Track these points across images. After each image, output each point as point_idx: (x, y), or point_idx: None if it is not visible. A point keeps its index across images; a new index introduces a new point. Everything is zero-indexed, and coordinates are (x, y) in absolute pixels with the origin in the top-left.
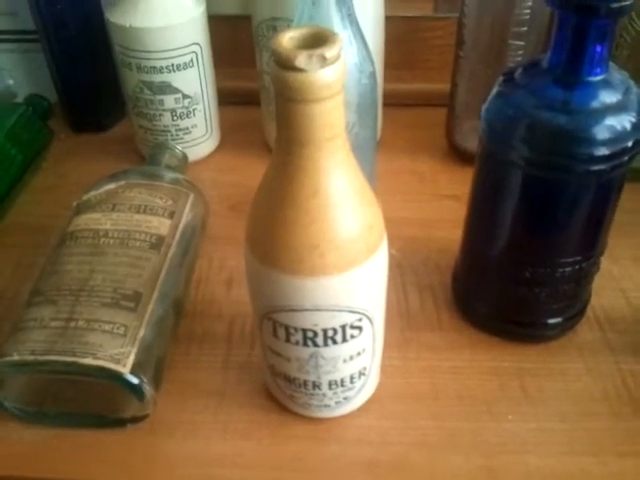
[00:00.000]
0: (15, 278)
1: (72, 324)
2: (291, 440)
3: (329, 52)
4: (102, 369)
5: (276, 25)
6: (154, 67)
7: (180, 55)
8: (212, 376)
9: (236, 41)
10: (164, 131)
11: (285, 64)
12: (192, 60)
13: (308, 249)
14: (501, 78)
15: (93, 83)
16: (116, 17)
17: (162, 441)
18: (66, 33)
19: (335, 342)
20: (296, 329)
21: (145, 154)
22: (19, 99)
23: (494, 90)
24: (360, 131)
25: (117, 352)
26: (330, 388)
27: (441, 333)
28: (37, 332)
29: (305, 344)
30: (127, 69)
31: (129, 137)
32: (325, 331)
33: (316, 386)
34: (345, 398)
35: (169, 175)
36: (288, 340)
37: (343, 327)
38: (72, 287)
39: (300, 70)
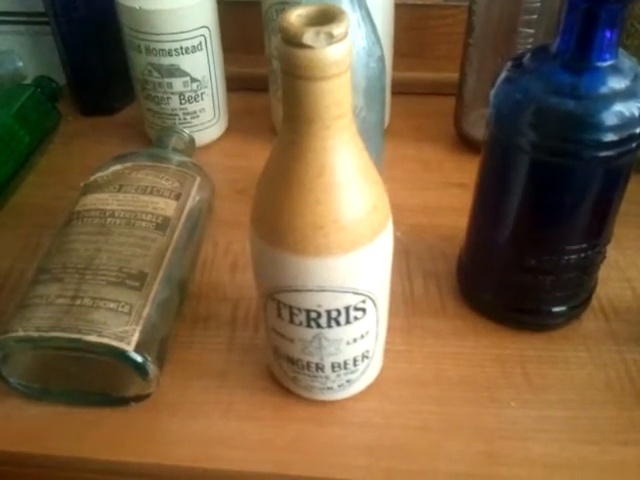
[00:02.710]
0: (21, 259)
1: (77, 302)
2: (293, 422)
3: (336, 29)
4: (106, 346)
5: (285, 9)
6: (163, 50)
7: (189, 38)
8: (215, 358)
9: (245, 26)
10: (172, 115)
11: (292, 41)
12: (201, 43)
13: (313, 229)
14: (509, 63)
15: (102, 66)
16: None
17: (164, 420)
18: (75, 15)
19: (339, 324)
20: (300, 310)
21: (153, 137)
22: (28, 81)
23: (502, 75)
24: (368, 115)
25: (121, 330)
26: (333, 370)
27: (445, 320)
28: (42, 309)
29: (309, 325)
30: (136, 51)
31: (137, 120)
32: (329, 312)
33: (319, 368)
34: (348, 381)
35: (176, 158)
36: (292, 321)
37: (347, 309)
38: (78, 265)
39: (307, 47)
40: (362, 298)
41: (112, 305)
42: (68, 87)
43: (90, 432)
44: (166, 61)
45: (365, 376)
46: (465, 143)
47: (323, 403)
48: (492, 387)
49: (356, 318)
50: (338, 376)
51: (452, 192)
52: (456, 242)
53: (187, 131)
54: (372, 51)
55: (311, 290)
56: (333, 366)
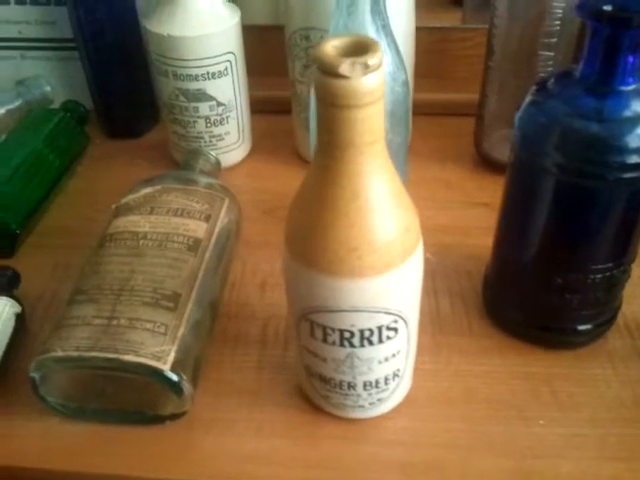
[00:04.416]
0: (52, 279)
1: (114, 322)
2: (325, 440)
3: (371, 60)
4: (143, 366)
5: (309, 35)
6: (190, 75)
7: (215, 63)
8: (246, 376)
9: (267, 50)
10: (198, 138)
11: (329, 71)
12: (227, 68)
13: (347, 251)
14: (534, 87)
15: (128, 90)
16: (154, 26)
17: (199, 437)
18: (103, 41)
19: (371, 343)
20: (333, 329)
21: (178, 160)
22: (55, 105)
23: (527, 99)
24: (393, 138)
25: (158, 350)
26: (365, 389)
27: (471, 338)
28: (80, 329)
29: (342, 344)
30: (163, 77)
31: (162, 143)
32: (362, 332)
33: (351, 387)
34: (379, 399)
35: (203, 180)
36: (325, 340)
37: (379, 328)
38: (113, 286)
39: (344, 77)
40: (394, 318)
41: (148, 325)
42: (95, 111)
43: (126, 450)
44: (193, 86)
45: (395, 394)
46: (486, 163)
47: (354, 421)
48: (520, 405)
49: (388, 337)
50: (370, 394)
51: (475, 211)
52: (481, 261)
53: (213, 153)
54: (397, 75)
55: (345, 310)
56: (365, 385)
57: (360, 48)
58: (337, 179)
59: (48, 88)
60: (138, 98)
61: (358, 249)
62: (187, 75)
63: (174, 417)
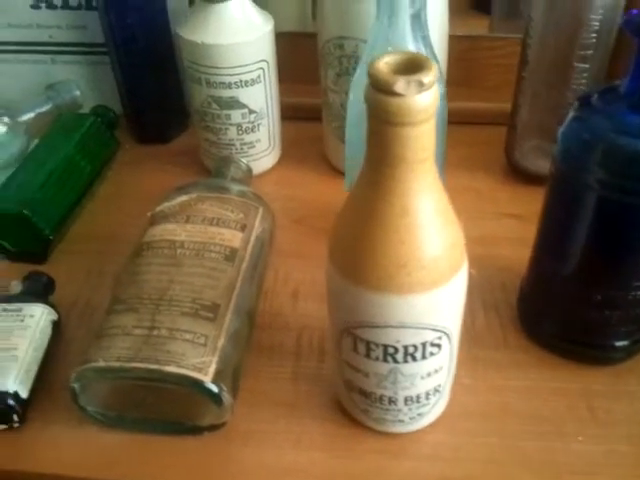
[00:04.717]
0: (86, 286)
1: (154, 332)
2: (365, 454)
3: (426, 78)
4: (185, 377)
5: (343, 44)
6: (223, 83)
7: (249, 71)
8: (282, 387)
9: (298, 57)
10: (229, 145)
11: (384, 88)
12: (260, 76)
13: (396, 268)
14: (577, 103)
15: (158, 95)
16: (187, 33)
17: (237, 449)
18: (134, 46)
19: (415, 359)
20: (377, 345)
21: (208, 166)
22: (84, 109)
23: (570, 114)
24: None
25: (199, 361)
26: (406, 404)
27: (507, 352)
28: (121, 339)
29: (385, 360)
30: (196, 84)
31: (191, 149)
32: (406, 348)
33: (392, 401)
34: (419, 414)
35: (237, 188)
36: (368, 355)
37: (424, 344)
38: (152, 296)
39: (398, 95)
40: (438, 334)
41: (188, 336)
42: (124, 116)
43: (164, 460)
44: (226, 93)
45: (435, 409)
46: (517, 173)
47: (393, 435)
48: (558, 421)
49: (432, 354)
50: (410, 409)
51: (507, 222)
52: (514, 273)
53: (244, 161)
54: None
55: (391, 326)
56: (406, 400)
57: (413, 65)
58: (387, 196)
59: (78, 92)
60: (168, 103)
61: (407, 266)
62: (220, 83)
63: (213, 428)
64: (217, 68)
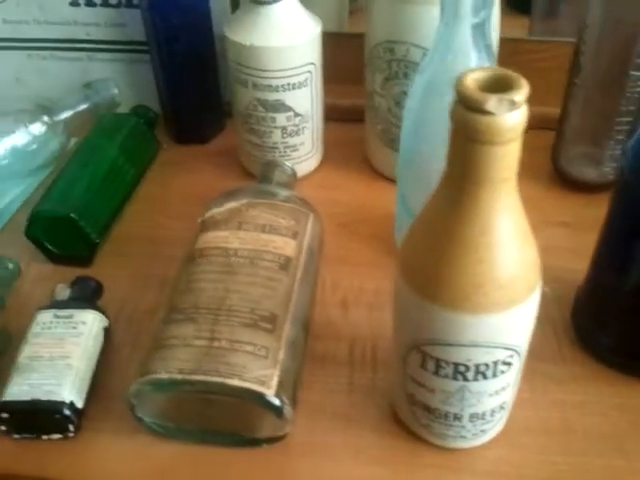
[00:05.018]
0: (132, 290)
1: (215, 343)
2: (424, 468)
3: (518, 96)
4: (248, 391)
5: (394, 48)
6: (270, 85)
7: (297, 74)
8: (337, 398)
9: (341, 58)
10: (273, 148)
11: (474, 106)
12: (307, 79)
13: (473, 287)
14: None
15: (198, 96)
16: (235, 35)
17: (295, 462)
18: (177, 47)
19: (485, 377)
20: (448, 363)
21: (248, 168)
22: (121, 108)
23: None
24: None
25: (261, 374)
26: (471, 421)
27: (564, 366)
28: (182, 350)
29: (455, 378)
30: (242, 86)
31: (229, 149)
32: (477, 366)
33: (457, 418)
34: (482, 430)
35: (282, 193)
36: (437, 373)
37: (495, 363)
38: (210, 306)
39: (489, 113)
40: (510, 353)
41: (249, 348)
42: (162, 115)
43: (221, 472)
44: (272, 96)
45: (497, 425)
46: (562, 179)
47: (452, 450)
48: (619, 437)
49: (502, 372)
50: (474, 426)
51: (555, 232)
52: (568, 284)
53: (289, 164)
54: None
55: (463, 345)
56: (471, 417)
57: (501, 82)
58: (468, 214)
59: (116, 91)
60: (207, 104)
61: (484, 285)
62: (267, 85)
63: (272, 440)
64: (265, 71)
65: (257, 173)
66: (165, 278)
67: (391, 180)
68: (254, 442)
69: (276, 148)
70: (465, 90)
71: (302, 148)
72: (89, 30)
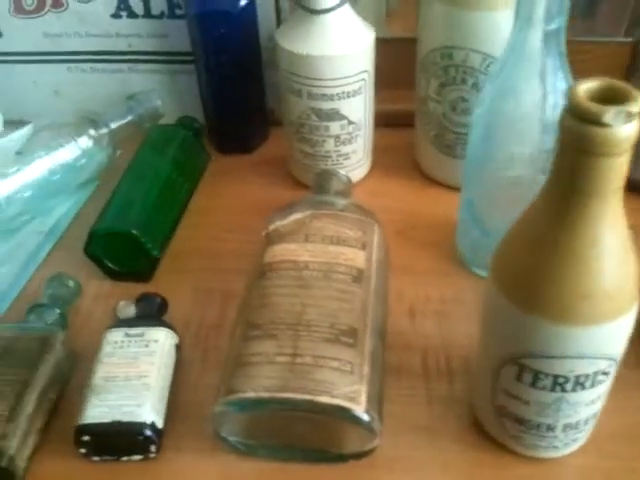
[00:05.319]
0: (196, 306)
1: (298, 360)
2: None
3: (635, 108)
4: (338, 408)
5: (452, 53)
6: (325, 95)
7: (352, 82)
8: (417, 410)
9: (389, 63)
10: (325, 157)
11: (590, 118)
12: (361, 87)
13: (580, 299)
14: None
15: (244, 105)
16: (289, 44)
17: (383, 477)
18: (224, 57)
19: (583, 387)
20: (547, 375)
21: (297, 177)
22: (162, 120)
23: None
24: None
25: (350, 390)
26: (564, 431)
27: None
28: (266, 368)
29: (553, 389)
30: (295, 95)
31: (275, 159)
32: (577, 377)
33: (550, 429)
34: (574, 440)
35: (342, 202)
36: (534, 385)
37: (595, 373)
38: (287, 321)
39: (605, 125)
40: (610, 362)
41: (334, 364)
42: (207, 125)
43: None
44: (327, 105)
45: (587, 434)
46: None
47: (540, 460)
48: None
49: (600, 382)
50: (566, 436)
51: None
52: None
53: (343, 172)
54: None
55: (567, 357)
56: (565, 427)
57: (612, 93)
58: (577, 225)
59: (159, 102)
60: (252, 113)
61: (592, 297)
62: (322, 95)
63: (358, 456)
64: (320, 80)
65: (311, 183)
66: (228, 292)
67: (444, 185)
68: (340, 458)
69: (329, 157)
70: (580, 102)
71: (354, 156)
72: (131, 41)
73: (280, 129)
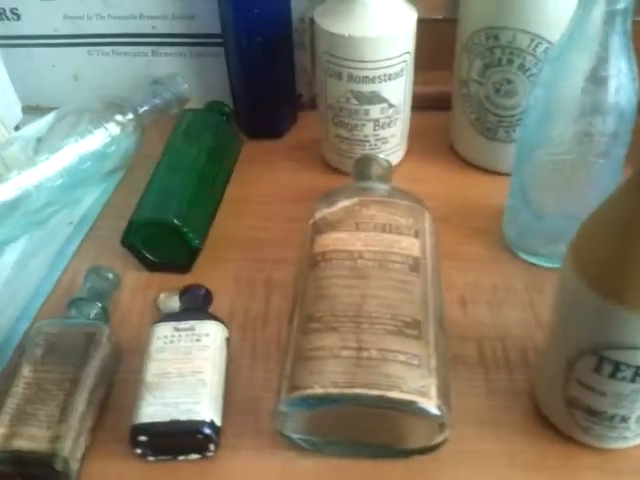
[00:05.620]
0: (239, 296)
1: (364, 354)
2: (584, 471)
3: None
4: (410, 403)
5: (499, 34)
6: (367, 77)
7: (393, 64)
8: (479, 402)
9: (428, 44)
10: (363, 141)
11: None
12: (402, 69)
13: None
14: None
15: (275, 89)
16: (331, 25)
17: (449, 471)
18: (258, 39)
19: None
20: (629, 366)
21: (332, 162)
22: (190, 104)
23: None
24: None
25: (421, 384)
26: (637, 422)
27: None
28: (331, 362)
29: (633, 380)
30: (334, 78)
31: (306, 143)
32: None
33: (624, 420)
34: None
35: (384, 188)
36: (613, 376)
37: None
38: (348, 313)
39: None
40: None
41: (401, 357)
42: (235, 110)
43: None
44: (367, 88)
45: None
46: None
47: (605, 451)
48: None
49: None
50: (638, 427)
51: None
52: None
53: (382, 156)
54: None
55: None
56: (638, 418)
57: None
58: None
59: (185, 86)
60: (283, 97)
61: None
62: (364, 77)
63: (427, 450)
64: (362, 62)
65: (350, 168)
66: (271, 282)
67: (482, 169)
68: (406, 453)
69: (367, 141)
70: None
71: (392, 140)
72: (155, 23)
73: (307, 113)
